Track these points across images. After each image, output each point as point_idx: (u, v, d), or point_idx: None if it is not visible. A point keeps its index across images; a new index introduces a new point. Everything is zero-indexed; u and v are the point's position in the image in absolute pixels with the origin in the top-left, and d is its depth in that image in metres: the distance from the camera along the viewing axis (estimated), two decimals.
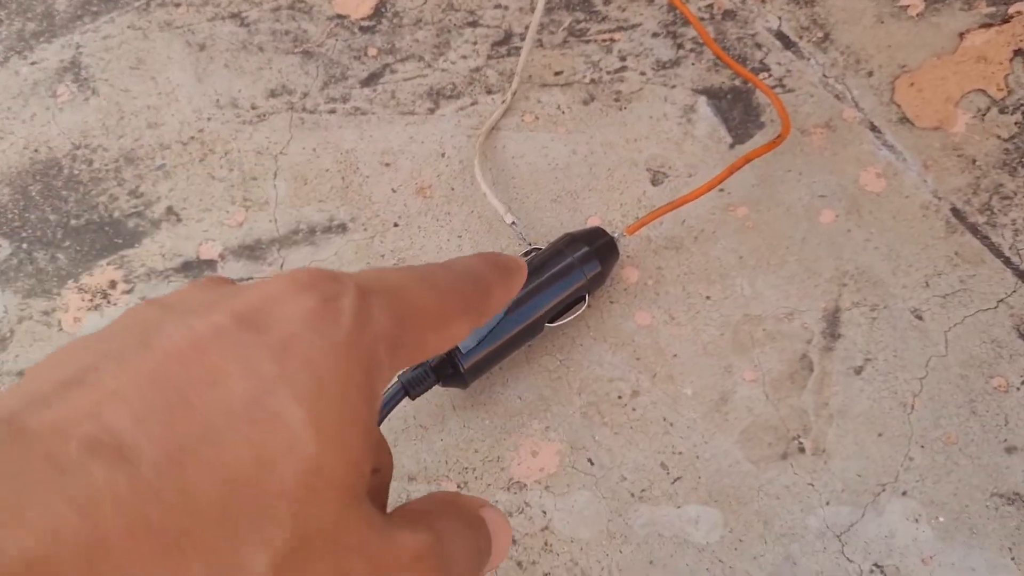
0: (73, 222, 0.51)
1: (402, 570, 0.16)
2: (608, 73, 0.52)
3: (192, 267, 0.49)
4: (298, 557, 0.15)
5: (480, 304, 0.20)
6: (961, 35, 0.51)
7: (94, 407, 0.14)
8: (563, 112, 0.51)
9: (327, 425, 0.15)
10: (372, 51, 0.54)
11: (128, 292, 0.49)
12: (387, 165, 0.51)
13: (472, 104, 0.52)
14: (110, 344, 0.16)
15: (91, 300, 0.49)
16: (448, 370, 0.41)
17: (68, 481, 0.13)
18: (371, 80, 0.53)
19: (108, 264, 0.50)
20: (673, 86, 0.51)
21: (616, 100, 0.51)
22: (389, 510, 0.19)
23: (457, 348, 0.41)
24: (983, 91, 0.49)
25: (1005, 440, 0.42)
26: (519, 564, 0.41)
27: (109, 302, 0.49)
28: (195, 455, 0.14)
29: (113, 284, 0.49)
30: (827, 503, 0.41)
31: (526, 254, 0.46)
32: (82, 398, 0.14)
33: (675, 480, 0.42)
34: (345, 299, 0.17)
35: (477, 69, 0.53)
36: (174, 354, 0.15)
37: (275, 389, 0.15)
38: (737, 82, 0.51)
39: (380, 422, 0.40)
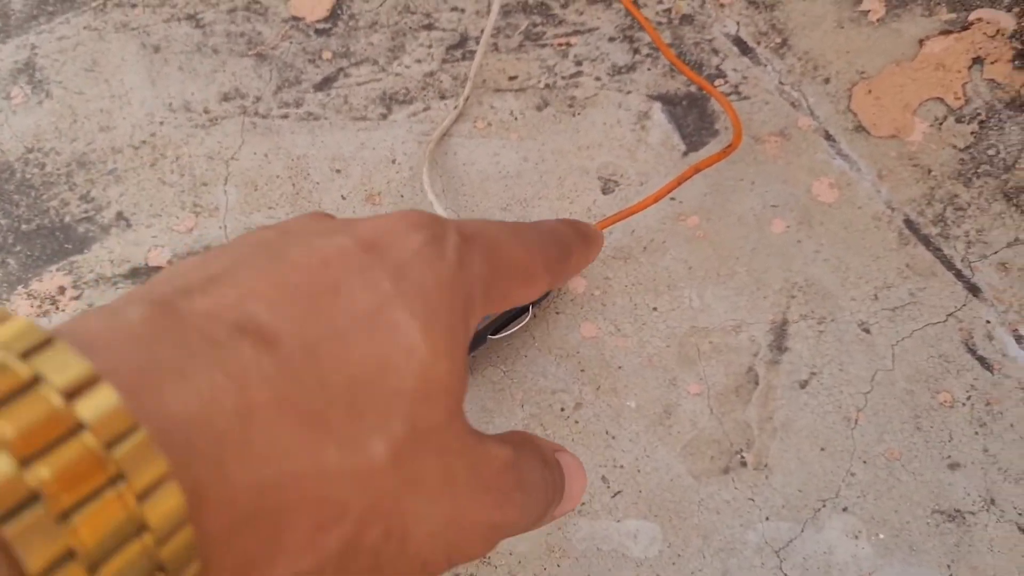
0: (24, 227, 0.51)
1: (492, 476, 0.18)
2: (563, 78, 0.52)
3: (140, 273, 0.49)
4: (412, 450, 0.16)
5: (560, 265, 0.22)
6: (921, 42, 0.50)
7: (237, 300, 0.15)
8: (516, 118, 0.51)
9: (438, 340, 0.17)
10: (327, 54, 0.54)
11: (76, 299, 0.48)
12: (338, 171, 0.50)
13: (425, 110, 0.51)
14: (240, 256, 0.17)
15: (40, 306, 0.49)
16: None
17: (222, 354, 0.14)
18: (325, 84, 0.53)
19: (58, 270, 0.49)
20: (628, 92, 0.51)
21: (570, 106, 0.51)
22: None
23: None
24: (941, 99, 0.49)
25: (949, 456, 0.42)
26: None
27: (58, 308, 0.48)
28: (327, 349, 0.15)
29: (62, 290, 0.49)
30: (767, 518, 0.41)
31: None
32: (226, 292, 0.16)
33: (615, 494, 0.42)
34: (449, 240, 0.18)
35: (431, 73, 0.52)
36: (303, 266, 0.16)
37: (393, 304, 0.16)
38: (693, 88, 0.50)
39: None
